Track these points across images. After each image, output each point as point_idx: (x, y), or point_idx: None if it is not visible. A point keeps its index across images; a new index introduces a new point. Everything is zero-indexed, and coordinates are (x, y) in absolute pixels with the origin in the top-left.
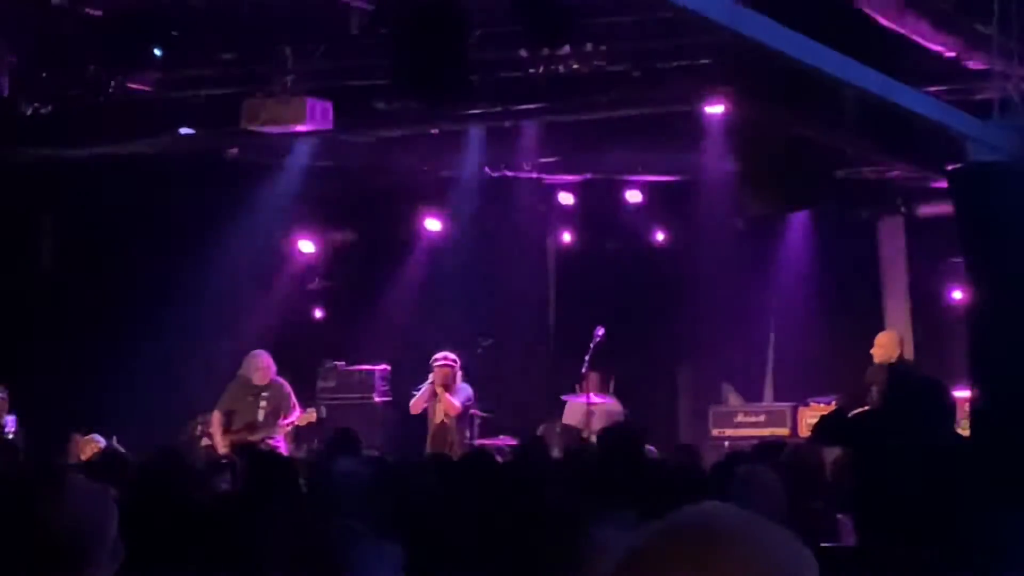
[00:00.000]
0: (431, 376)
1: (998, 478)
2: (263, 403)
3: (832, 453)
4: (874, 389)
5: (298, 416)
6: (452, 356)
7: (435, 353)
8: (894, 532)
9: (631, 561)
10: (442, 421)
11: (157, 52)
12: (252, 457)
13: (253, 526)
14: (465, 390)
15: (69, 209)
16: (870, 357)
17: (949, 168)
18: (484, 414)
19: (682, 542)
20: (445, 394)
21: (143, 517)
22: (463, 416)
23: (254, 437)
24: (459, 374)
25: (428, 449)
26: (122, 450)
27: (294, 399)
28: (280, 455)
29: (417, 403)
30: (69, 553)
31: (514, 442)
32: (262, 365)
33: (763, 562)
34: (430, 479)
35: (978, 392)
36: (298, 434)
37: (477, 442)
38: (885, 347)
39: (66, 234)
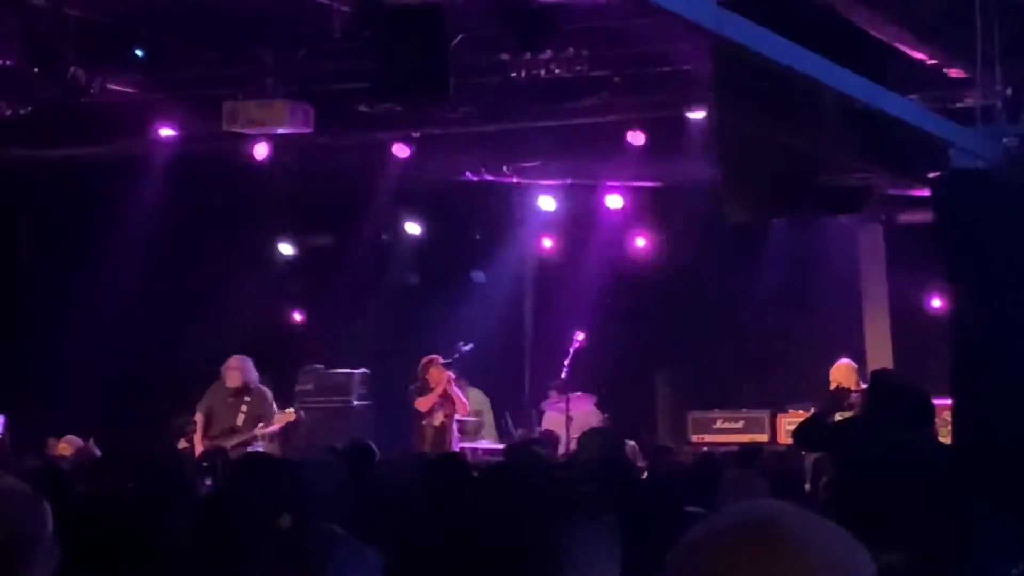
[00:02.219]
0: (432, 373)
1: (978, 485)
2: (244, 408)
3: (811, 458)
4: (853, 396)
5: (277, 419)
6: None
7: (418, 356)
8: (873, 538)
9: (690, 553)
10: (442, 422)
11: (138, 53)
12: (231, 461)
13: (231, 528)
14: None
15: (48, 210)
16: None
17: (931, 175)
18: (465, 418)
19: (745, 537)
20: (459, 393)
21: (116, 518)
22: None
23: (232, 442)
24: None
25: (429, 451)
26: (97, 452)
27: (274, 404)
28: (258, 457)
29: (428, 401)
30: (4, 554)
31: (494, 446)
32: (242, 369)
33: (824, 559)
34: (416, 481)
35: (959, 400)
36: (278, 437)
37: (458, 446)
38: (840, 381)
39: (45, 235)
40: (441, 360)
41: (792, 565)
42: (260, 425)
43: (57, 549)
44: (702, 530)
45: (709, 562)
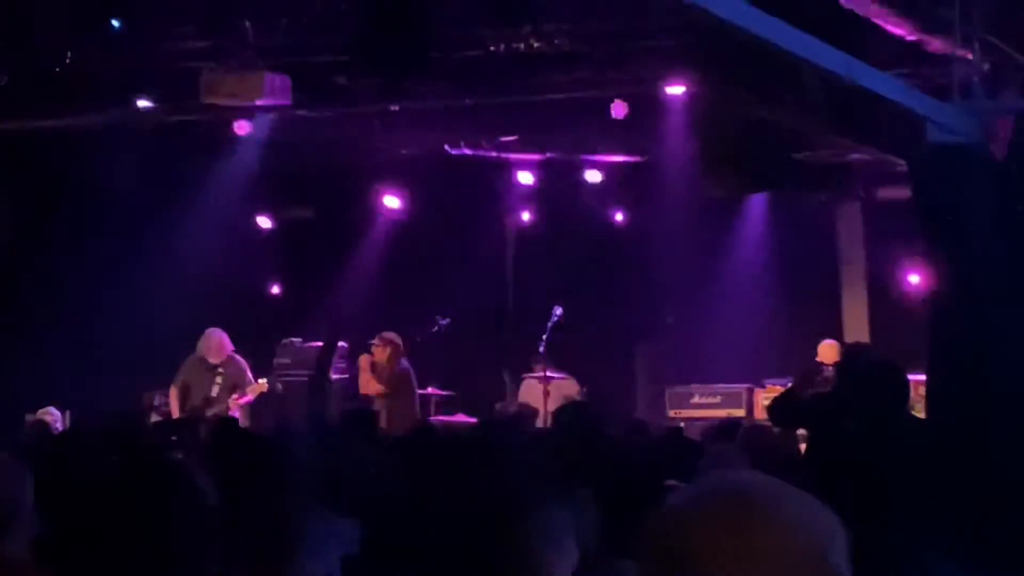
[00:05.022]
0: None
1: (952, 461)
2: (218, 379)
3: (788, 433)
4: (826, 371)
5: (250, 390)
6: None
7: (390, 330)
8: (845, 512)
9: (664, 524)
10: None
11: (115, 24)
12: (208, 431)
13: (206, 500)
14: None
15: (23, 182)
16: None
17: (908, 150)
18: (442, 393)
19: (717, 508)
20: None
21: (88, 486)
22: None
23: (209, 412)
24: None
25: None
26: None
27: (250, 375)
28: (236, 428)
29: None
30: None
31: (471, 420)
32: (216, 342)
33: (796, 527)
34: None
35: (934, 376)
36: (253, 409)
37: (433, 420)
38: (824, 359)
39: (19, 206)
40: (374, 342)
41: (763, 533)
42: (234, 396)
43: (35, 518)
44: (675, 501)
45: (683, 532)
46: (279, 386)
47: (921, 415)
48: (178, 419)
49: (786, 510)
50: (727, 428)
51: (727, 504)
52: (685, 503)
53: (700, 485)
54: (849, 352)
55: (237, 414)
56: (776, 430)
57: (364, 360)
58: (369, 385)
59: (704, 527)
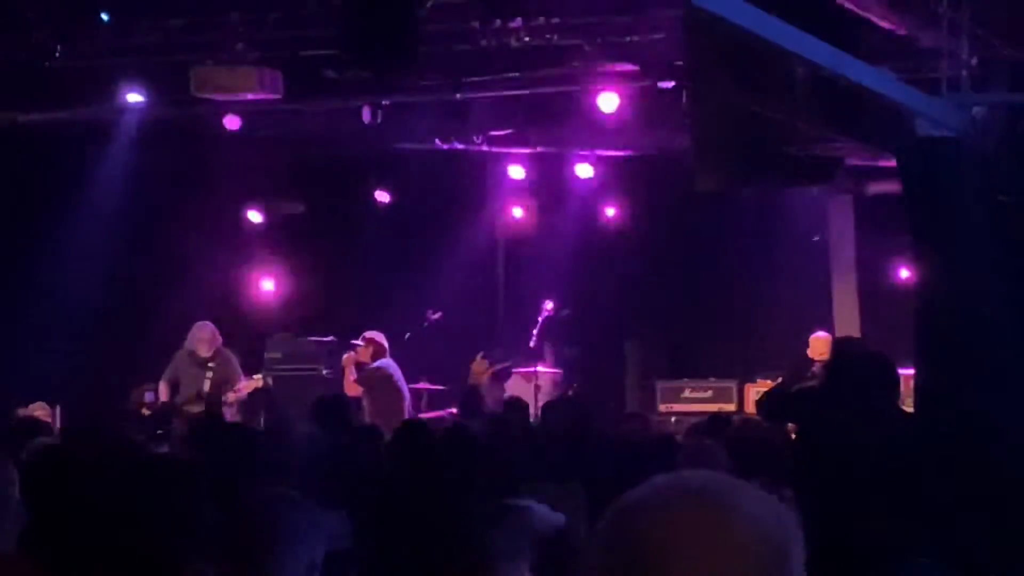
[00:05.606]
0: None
1: (942, 456)
2: (209, 374)
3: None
4: (816, 365)
5: (244, 385)
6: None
7: (380, 324)
8: (834, 505)
9: (620, 520)
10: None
11: (105, 17)
12: (193, 424)
13: (188, 491)
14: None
15: (12, 176)
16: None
17: (897, 143)
18: (433, 387)
19: (676, 505)
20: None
21: (72, 481)
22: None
23: (199, 407)
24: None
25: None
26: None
27: (240, 370)
28: (222, 421)
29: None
30: None
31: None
32: (207, 336)
33: (752, 526)
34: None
35: (924, 370)
36: (244, 404)
37: (423, 415)
38: (815, 352)
39: (9, 200)
40: (358, 341)
41: (721, 533)
42: (228, 392)
43: (22, 511)
44: (631, 498)
45: (643, 525)
46: (270, 381)
47: (910, 409)
48: (165, 413)
49: (741, 508)
50: (714, 424)
51: (682, 502)
52: (637, 502)
53: (655, 483)
54: (839, 346)
55: (228, 410)
56: (766, 424)
57: (348, 359)
58: (350, 385)
59: (661, 525)
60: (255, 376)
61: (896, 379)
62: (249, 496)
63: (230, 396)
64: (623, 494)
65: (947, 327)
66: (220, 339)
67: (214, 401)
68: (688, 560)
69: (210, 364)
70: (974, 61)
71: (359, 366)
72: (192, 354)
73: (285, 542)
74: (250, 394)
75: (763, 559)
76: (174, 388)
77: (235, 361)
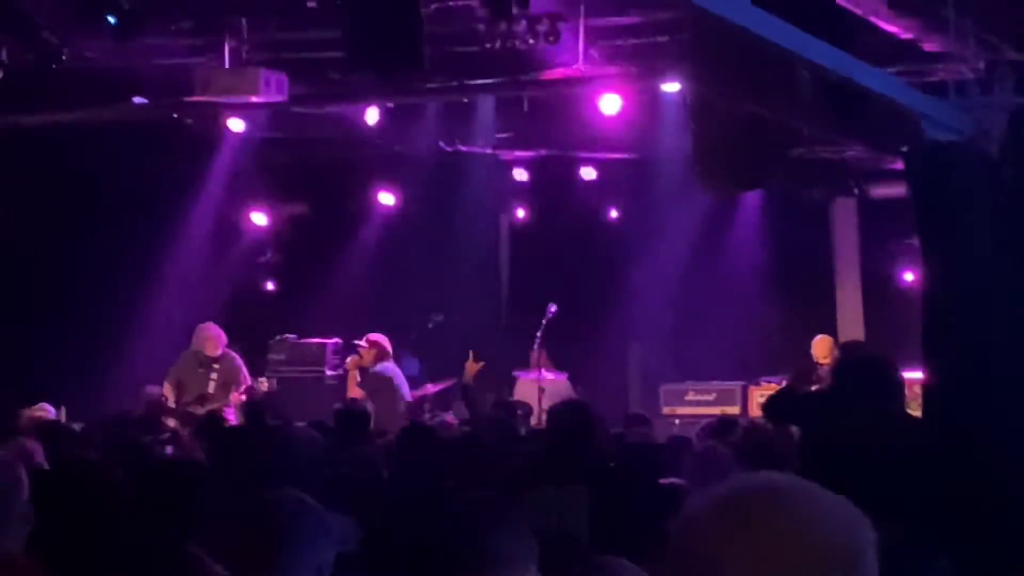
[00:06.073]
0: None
1: (948, 459)
2: (214, 375)
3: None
4: (821, 368)
5: (248, 388)
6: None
7: (384, 326)
8: None
9: (691, 527)
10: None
11: (111, 20)
12: (200, 426)
13: (195, 494)
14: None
15: (19, 177)
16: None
17: (904, 147)
18: (438, 388)
19: (744, 509)
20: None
21: (80, 483)
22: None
23: (204, 409)
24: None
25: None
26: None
27: (245, 372)
28: (228, 424)
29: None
30: None
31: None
32: (212, 337)
33: (823, 526)
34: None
35: (931, 374)
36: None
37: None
38: (818, 355)
39: (16, 203)
40: (361, 344)
41: (795, 536)
42: (234, 393)
43: (31, 514)
44: (703, 504)
45: (711, 536)
46: (274, 383)
47: (917, 413)
48: (170, 415)
49: (815, 511)
50: (723, 426)
51: (752, 506)
52: (710, 507)
53: (724, 488)
54: (844, 349)
55: (233, 411)
56: (772, 428)
57: (351, 362)
58: (352, 388)
59: (733, 530)
60: (260, 379)
61: (900, 382)
62: (256, 498)
63: (235, 397)
64: (692, 497)
65: (953, 331)
66: (225, 340)
67: (191, 407)
68: (762, 564)
69: (215, 365)
70: (981, 64)
71: (361, 368)
72: (198, 354)
73: (293, 545)
74: (254, 396)
75: (837, 561)
76: (178, 389)
77: (240, 363)
